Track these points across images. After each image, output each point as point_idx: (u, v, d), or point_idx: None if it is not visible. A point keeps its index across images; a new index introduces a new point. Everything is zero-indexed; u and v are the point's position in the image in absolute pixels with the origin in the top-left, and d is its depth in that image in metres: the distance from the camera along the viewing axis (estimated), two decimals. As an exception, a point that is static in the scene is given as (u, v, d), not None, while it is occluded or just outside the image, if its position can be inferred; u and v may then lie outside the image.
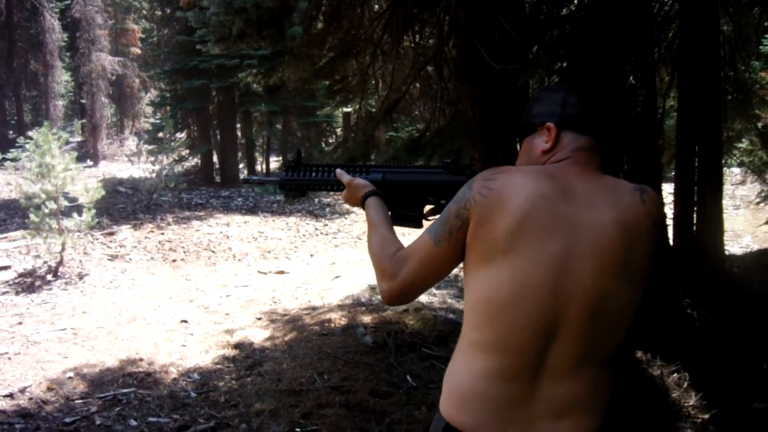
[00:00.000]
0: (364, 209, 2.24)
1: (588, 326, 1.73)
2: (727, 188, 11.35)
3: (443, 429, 1.83)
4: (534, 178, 1.78)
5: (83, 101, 28.59)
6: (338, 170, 2.40)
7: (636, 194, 1.81)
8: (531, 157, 1.97)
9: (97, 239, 13.24)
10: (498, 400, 1.75)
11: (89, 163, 24.00)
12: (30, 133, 13.17)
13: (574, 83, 6.24)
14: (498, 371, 1.76)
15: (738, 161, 12.31)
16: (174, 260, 12.57)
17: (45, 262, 11.07)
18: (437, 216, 2.00)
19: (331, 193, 2.58)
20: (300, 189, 2.55)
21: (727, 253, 8.93)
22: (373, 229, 2.10)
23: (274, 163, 25.38)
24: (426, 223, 2.25)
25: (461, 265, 1.89)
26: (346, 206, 17.15)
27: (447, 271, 1.90)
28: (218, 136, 22.32)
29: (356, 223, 15.96)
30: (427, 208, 2.35)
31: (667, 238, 8.61)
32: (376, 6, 7.63)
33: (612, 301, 1.74)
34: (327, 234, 15.13)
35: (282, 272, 11.55)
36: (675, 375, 5.84)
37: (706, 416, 5.17)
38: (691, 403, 5.40)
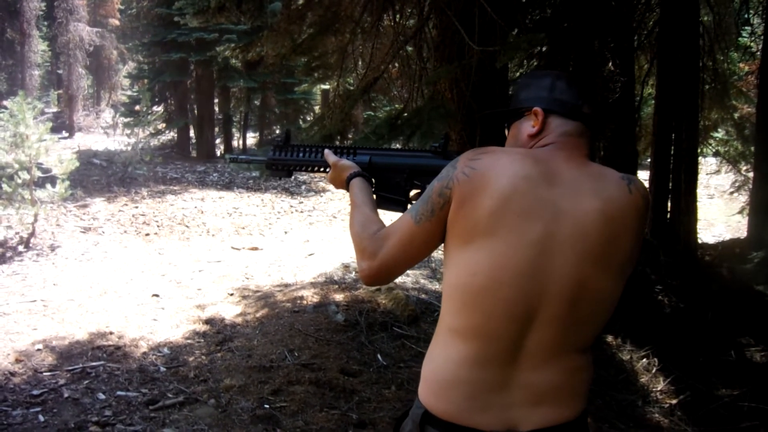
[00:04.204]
0: (348, 191, 2.22)
1: (567, 313, 1.72)
2: (702, 177, 11.42)
3: (422, 416, 1.82)
4: (519, 160, 1.76)
5: (60, 72, 28.32)
6: (326, 151, 2.39)
7: (623, 183, 1.79)
8: (518, 141, 1.96)
9: (70, 211, 13.13)
10: (476, 387, 1.75)
11: (64, 134, 23.72)
12: (5, 103, 13.02)
13: (562, 69, 6.27)
14: (475, 357, 1.75)
15: (713, 151, 12.40)
16: (147, 234, 12.48)
17: (17, 233, 10.95)
18: None
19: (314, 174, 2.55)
20: (287, 169, 2.53)
21: (699, 241, 9.01)
22: (355, 209, 2.08)
23: (251, 139, 25.29)
24: None
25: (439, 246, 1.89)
26: (322, 184, 17.09)
27: (428, 251, 1.88)
28: (195, 111, 22.21)
29: (331, 201, 15.91)
30: (414, 192, 2.33)
31: (642, 225, 8.66)
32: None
33: (592, 289, 1.74)
34: (302, 211, 15.10)
35: (255, 249, 11.50)
36: (645, 360, 5.90)
37: (674, 401, 5.23)
38: (659, 388, 5.46)
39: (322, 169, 2.44)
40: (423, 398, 1.84)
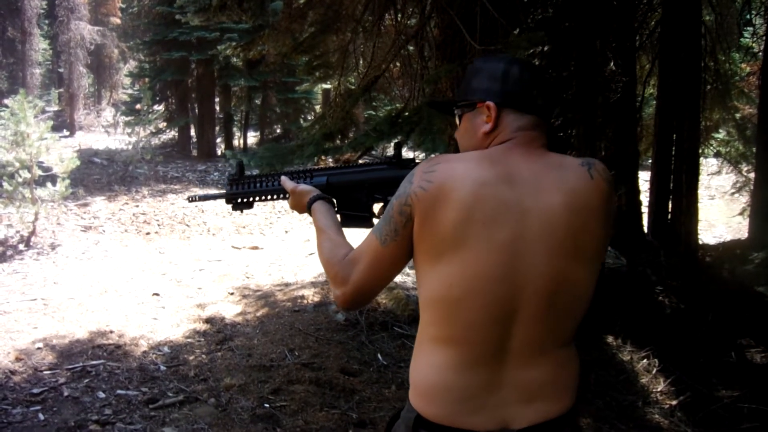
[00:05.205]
0: (311, 215, 2.20)
1: (546, 309, 1.72)
2: (703, 178, 11.37)
3: (414, 420, 1.81)
4: (475, 166, 1.73)
5: (61, 70, 28.41)
6: (282, 177, 2.37)
7: (583, 170, 1.78)
8: (473, 138, 1.92)
9: (71, 210, 13.14)
10: (465, 390, 1.75)
11: (65, 132, 23.77)
12: (6, 101, 13.02)
13: (563, 69, 6.26)
14: (461, 362, 1.75)
15: (714, 151, 12.37)
16: (148, 233, 12.48)
17: (17, 232, 10.97)
18: None
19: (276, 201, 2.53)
20: (247, 201, 2.51)
21: (700, 242, 8.98)
22: (321, 235, 2.05)
23: (252, 138, 25.26)
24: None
25: None
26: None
27: (399, 269, 1.87)
28: (196, 110, 22.21)
29: (333, 201, 15.90)
30: (378, 206, 2.31)
31: (642, 226, 8.66)
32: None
33: (567, 281, 1.73)
34: (303, 211, 15.07)
35: (256, 248, 11.50)
36: (645, 361, 5.88)
37: (674, 402, 5.21)
38: (659, 389, 5.44)
39: (282, 196, 2.42)
40: (414, 403, 1.84)
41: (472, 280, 1.69)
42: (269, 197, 2.46)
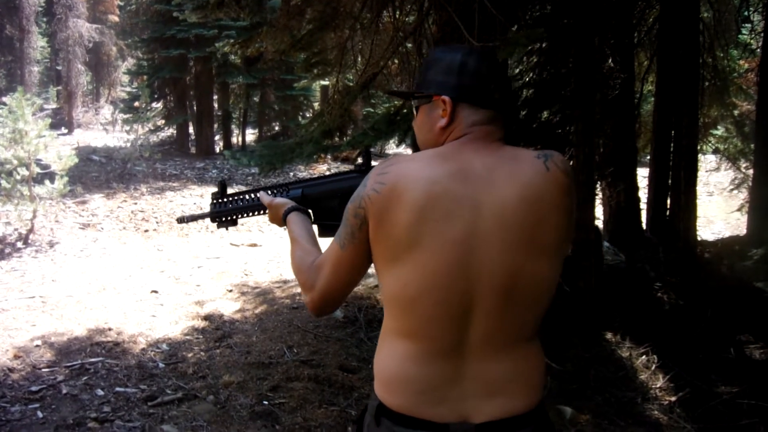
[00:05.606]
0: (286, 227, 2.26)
1: (504, 304, 1.71)
2: (701, 175, 11.37)
3: (377, 408, 1.83)
4: (427, 165, 1.73)
5: (59, 68, 28.30)
6: (260, 193, 2.45)
7: (539, 162, 1.75)
8: (430, 132, 1.90)
9: (69, 207, 13.12)
10: (425, 382, 1.75)
11: (63, 130, 23.68)
12: (4, 99, 13.00)
13: (561, 65, 6.25)
14: (420, 354, 1.76)
15: (713, 148, 12.38)
16: (146, 230, 12.48)
17: (15, 229, 10.96)
18: None
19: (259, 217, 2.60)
20: (231, 218, 2.58)
21: (699, 238, 8.98)
22: (294, 244, 2.11)
23: (250, 135, 25.25)
24: None
25: None
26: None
27: (361, 272, 1.88)
28: (194, 107, 22.15)
29: (331, 198, 15.92)
30: None
31: (641, 222, 8.66)
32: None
33: (525, 275, 1.71)
34: (301, 209, 15.07)
35: (254, 245, 11.51)
36: (644, 357, 5.88)
37: (674, 398, 5.21)
38: (658, 385, 5.44)
39: (263, 212, 2.50)
40: (377, 392, 1.85)
41: (427, 278, 1.69)
42: (250, 213, 2.54)
